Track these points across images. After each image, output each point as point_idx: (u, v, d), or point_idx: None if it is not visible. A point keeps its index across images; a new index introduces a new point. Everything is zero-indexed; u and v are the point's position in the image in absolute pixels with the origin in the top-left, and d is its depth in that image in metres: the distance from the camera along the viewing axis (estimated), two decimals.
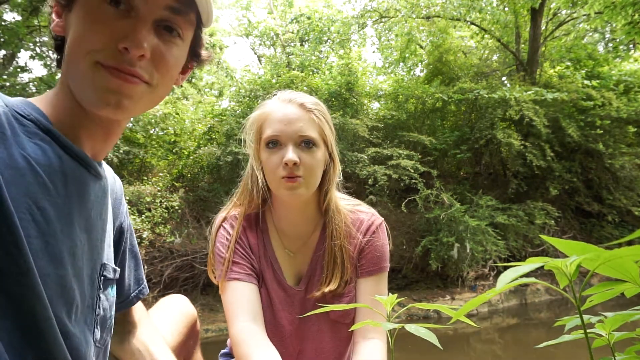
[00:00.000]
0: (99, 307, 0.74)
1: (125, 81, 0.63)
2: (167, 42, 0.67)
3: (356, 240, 1.11)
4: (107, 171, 0.89)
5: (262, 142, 1.06)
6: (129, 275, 0.94)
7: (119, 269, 0.84)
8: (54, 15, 0.68)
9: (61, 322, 0.62)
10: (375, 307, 1.03)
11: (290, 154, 1.00)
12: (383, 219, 1.17)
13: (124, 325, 0.95)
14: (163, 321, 1.06)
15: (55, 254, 0.61)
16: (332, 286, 1.07)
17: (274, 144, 1.03)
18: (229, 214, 1.15)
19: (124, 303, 0.93)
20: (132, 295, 0.94)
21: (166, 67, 0.68)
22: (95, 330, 0.73)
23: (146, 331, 0.96)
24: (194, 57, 0.78)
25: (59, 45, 0.70)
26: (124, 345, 0.92)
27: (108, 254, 0.79)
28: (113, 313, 0.82)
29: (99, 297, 0.74)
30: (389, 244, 1.15)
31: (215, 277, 1.13)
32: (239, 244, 1.11)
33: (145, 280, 0.99)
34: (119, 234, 0.91)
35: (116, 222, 0.90)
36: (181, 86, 11.15)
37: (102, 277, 0.76)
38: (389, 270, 1.14)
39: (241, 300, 1.03)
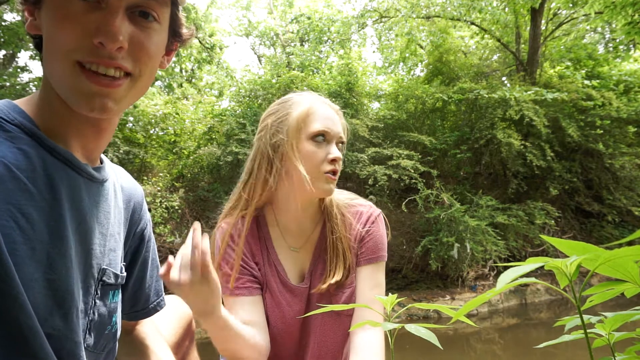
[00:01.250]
0: (93, 313, 0.72)
1: (107, 86, 0.62)
2: (144, 28, 0.65)
3: (356, 230, 1.14)
4: (125, 177, 0.88)
5: (305, 134, 1.07)
6: (149, 286, 0.92)
7: (123, 275, 0.81)
8: (26, 14, 0.65)
9: (54, 327, 0.61)
10: (374, 297, 1.05)
11: (337, 152, 1.07)
12: (381, 210, 1.20)
13: (134, 335, 0.94)
14: (158, 322, 1.06)
15: (43, 259, 0.59)
16: (337, 277, 1.10)
17: (322, 137, 1.07)
18: (227, 222, 1.16)
19: (141, 313, 0.92)
20: (150, 306, 0.93)
21: (147, 55, 0.66)
22: (87, 336, 0.71)
23: (156, 343, 0.94)
24: (176, 37, 0.75)
25: (38, 43, 0.68)
26: (131, 356, 0.90)
27: (112, 259, 0.77)
28: (117, 320, 0.79)
29: (95, 303, 0.72)
30: (388, 235, 1.18)
31: None
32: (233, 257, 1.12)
33: (164, 293, 0.98)
34: (139, 241, 0.89)
35: (136, 228, 0.88)
36: (181, 86, 11.14)
37: (101, 283, 0.73)
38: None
39: (239, 314, 1.07)
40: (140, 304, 0.91)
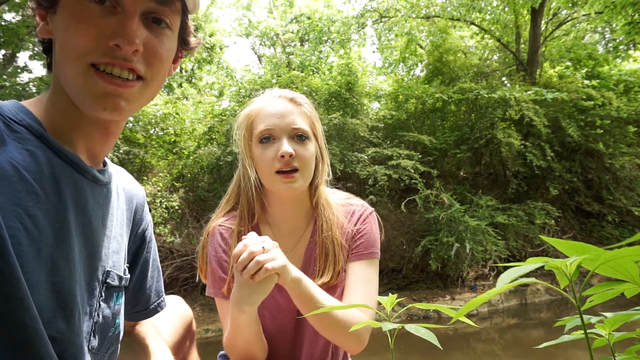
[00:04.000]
0: (98, 315, 0.72)
1: (119, 86, 0.63)
2: (157, 34, 0.67)
3: (348, 229, 1.13)
4: (127, 179, 0.88)
5: (254, 138, 1.07)
6: (150, 287, 0.92)
7: (127, 276, 0.82)
8: (37, 18, 0.66)
9: (57, 330, 0.61)
10: (364, 289, 1.05)
11: (286, 146, 1.02)
12: (374, 209, 1.19)
13: (133, 336, 0.94)
14: (159, 322, 1.06)
15: (48, 260, 0.59)
16: (325, 278, 1.08)
17: (267, 138, 1.05)
18: (220, 224, 1.15)
19: (142, 314, 0.92)
20: (151, 307, 0.93)
21: (160, 60, 0.68)
22: (92, 338, 0.71)
23: (155, 344, 0.94)
24: (183, 44, 0.77)
25: (47, 47, 0.69)
26: (130, 356, 0.90)
27: (115, 261, 0.77)
28: (120, 321, 0.79)
29: (99, 305, 0.72)
30: (381, 234, 1.17)
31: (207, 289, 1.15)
32: (227, 260, 1.11)
33: (164, 294, 0.98)
34: (140, 242, 0.89)
35: (137, 229, 0.88)
36: (181, 86, 11.14)
37: (105, 285, 0.74)
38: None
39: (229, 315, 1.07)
40: (141, 305, 0.91)
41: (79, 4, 0.61)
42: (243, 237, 0.91)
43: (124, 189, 0.85)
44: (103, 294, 0.73)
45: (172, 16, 0.68)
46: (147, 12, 0.65)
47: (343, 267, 1.11)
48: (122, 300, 0.81)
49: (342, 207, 1.17)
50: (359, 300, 1.03)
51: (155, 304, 0.94)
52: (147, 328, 0.96)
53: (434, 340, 0.56)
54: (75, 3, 0.61)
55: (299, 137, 1.05)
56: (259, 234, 1.14)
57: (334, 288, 1.10)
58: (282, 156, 1.01)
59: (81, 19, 0.61)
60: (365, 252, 1.11)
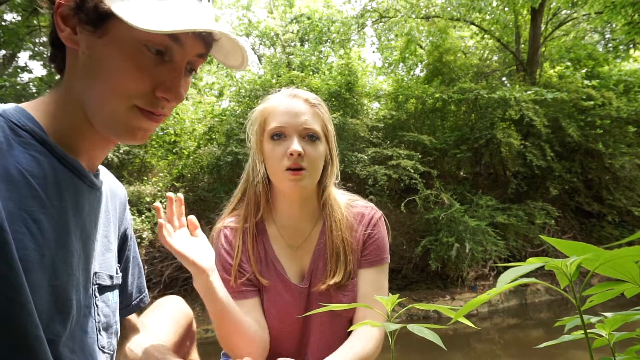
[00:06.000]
0: (99, 314, 0.74)
1: (155, 122, 0.68)
2: (187, 78, 0.71)
3: (358, 233, 1.13)
4: (109, 178, 0.89)
5: (266, 135, 1.08)
6: (132, 283, 0.95)
7: (119, 275, 0.84)
8: (59, 20, 0.64)
9: (55, 333, 0.62)
10: (376, 298, 1.05)
11: (296, 145, 1.02)
12: (382, 212, 1.20)
13: (123, 328, 0.95)
14: (159, 322, 1.06)
15: (50, 265, 0.60)
16: (337, 278, 1.09)
17: (279, 135, 1.06)
18: (225, 226, 1.16)
19: (125, 310, 0.93)
20: (133, 303, 0.95)
21: (182, 99, 0.72)
22: (100, 336, 0.73)
23: (143, 337, 0.96)
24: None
25: (56, 41, 0.67)
26: (119, 353, 0.92)
27: (102, 262, 0.79)
28: (117, 318, 0.82)
29: (97, 305, 0.74)
30: (389, 237, 1.18)
31: None
32: (230, 262, 1.12)
33: (146, 289, 1.00)
34: (123, 240, 0.91)
35: (120, 228, 0.90)
36: None
37: (97, 285, 0.76)
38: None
39: None
40: (124, 303, 0.93)
41: (138, 51, 0.63)
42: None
43: (110, 189, 0.86)
44: (96, 295, 0.75)
45: (201, 64, 0.72)
46: (189, 63, 0.69)
47: (354, 269, 1.12)
48: (117, 298, 0.83)
49: (351, 208, 1.17)
50: (372, 314, 1.05)
51: (138, 299, 0.97)
52: (133, 319, 0.99)
53: (438, 341, 0.56)
54: (134, 48, 0.63)
55: (310, 137, 1.06)
56: (264, 230, 1.16)
57: (345, 289, 1.11)
58: (291, 154, 1.02)
59: (138, 65, 0.63)
60: (377, 259, 1.12)
